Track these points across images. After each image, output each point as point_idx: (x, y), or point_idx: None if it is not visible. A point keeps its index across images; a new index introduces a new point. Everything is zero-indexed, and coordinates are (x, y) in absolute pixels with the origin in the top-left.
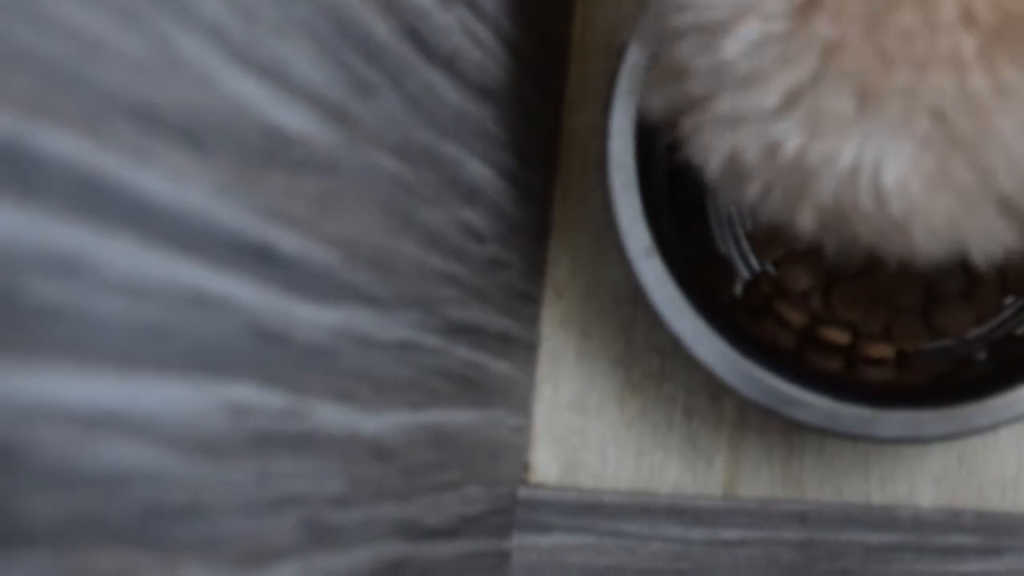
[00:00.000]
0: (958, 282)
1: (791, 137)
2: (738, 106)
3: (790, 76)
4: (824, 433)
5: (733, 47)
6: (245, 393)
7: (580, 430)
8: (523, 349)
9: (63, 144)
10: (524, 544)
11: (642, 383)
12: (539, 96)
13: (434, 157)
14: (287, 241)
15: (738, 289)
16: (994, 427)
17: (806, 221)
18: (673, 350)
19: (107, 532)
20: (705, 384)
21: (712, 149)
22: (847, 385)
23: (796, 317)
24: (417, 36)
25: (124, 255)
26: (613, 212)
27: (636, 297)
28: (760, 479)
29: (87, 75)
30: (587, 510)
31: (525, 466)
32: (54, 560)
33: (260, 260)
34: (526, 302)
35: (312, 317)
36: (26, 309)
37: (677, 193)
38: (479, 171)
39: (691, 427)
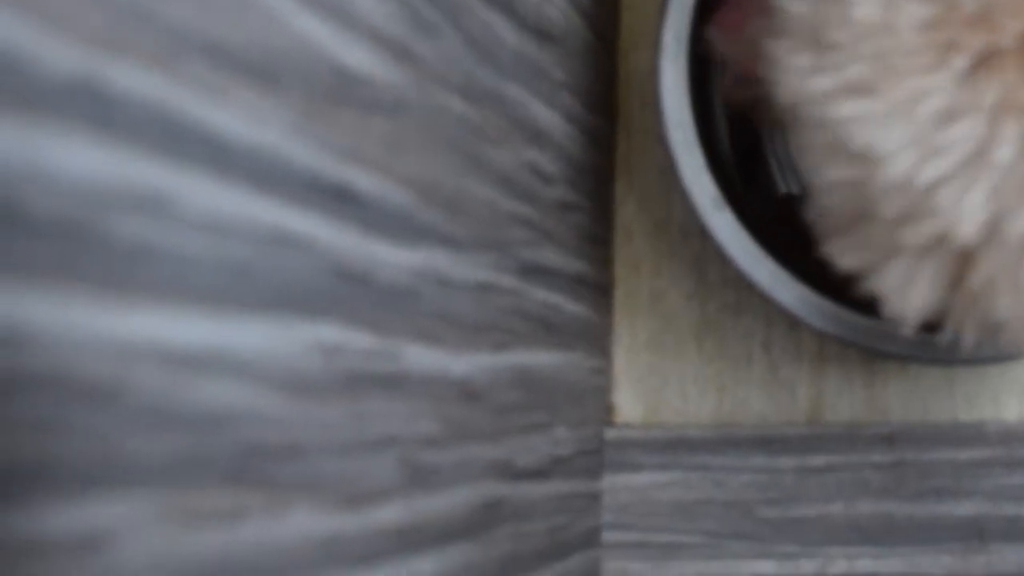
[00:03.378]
0: None
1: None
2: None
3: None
4: (909, 360)
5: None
6: (332, 333)
7: (660, 369)
8: (598, 291)
9: (137, 80)
10: (614, 484)
11: (718, 318)
12: (594, 39)
13: (498, 98)
14: (362, 181)
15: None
16: None
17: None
18: (748, 283)
19: (213, 472)
20: (782, 314)
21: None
22: None
23: None
24: None
25: (204, 193)
26: (676, 169)
27: (705, 231)
28: (844, 405)
29: (158, 10)
30: (673, 446)
31: (609, 408)
32: (162, 499)
33: (337, 199)
34: (597, 244)
35: (392, 258)
36: (115, 247)
37: (736, 139)
38: (542, 113)
39: (771, 358)
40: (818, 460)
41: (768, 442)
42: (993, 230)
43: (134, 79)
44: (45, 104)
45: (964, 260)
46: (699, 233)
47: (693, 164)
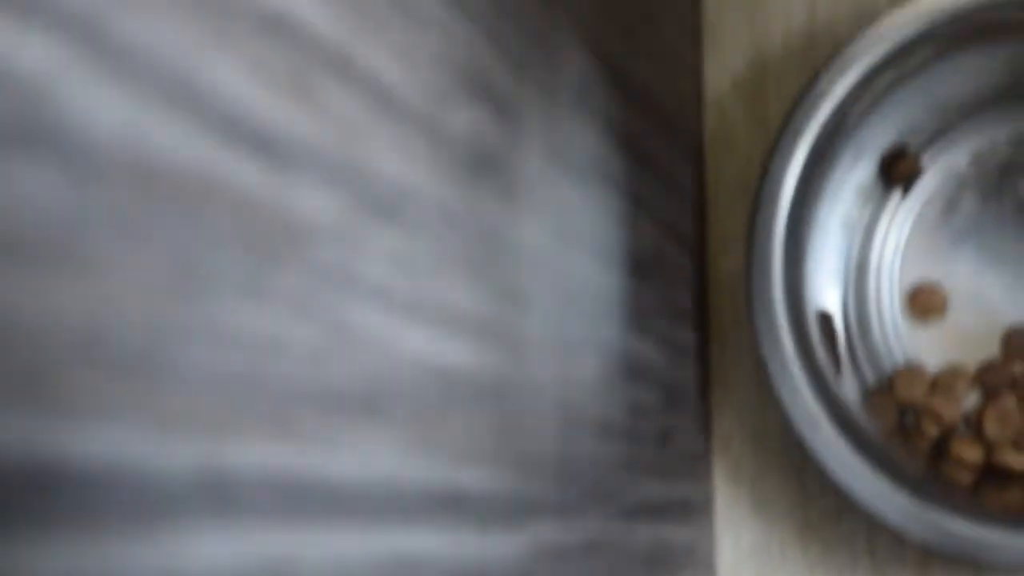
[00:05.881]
0: None
1: None
2: None
3: None
4: (1016, 572)
5: None
6: None
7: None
8: (700, 507)
9: (257, 455)
10: None
11: (821, 523)
12: (684, 253)
13: (595, 346)
14: (473, 478)
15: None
16: None
17: None
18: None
19: None
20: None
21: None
22: None
23: (970, 452)
24: (563, 232)
25: (323, 545)
26: (772, 384)
27: (804, 441)
28: None
29: (273, 374)
30: None
31: None
32: None
33: (450, 506)
34: (696, 460)
35: (505, 545)
36: None
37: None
38: (637, 346)
39: (875, 562)
40: None
41: None
42: None
43: (253, 454)
44: (171, 507)
45: None
46: (797, 442)
47: (789, 380)
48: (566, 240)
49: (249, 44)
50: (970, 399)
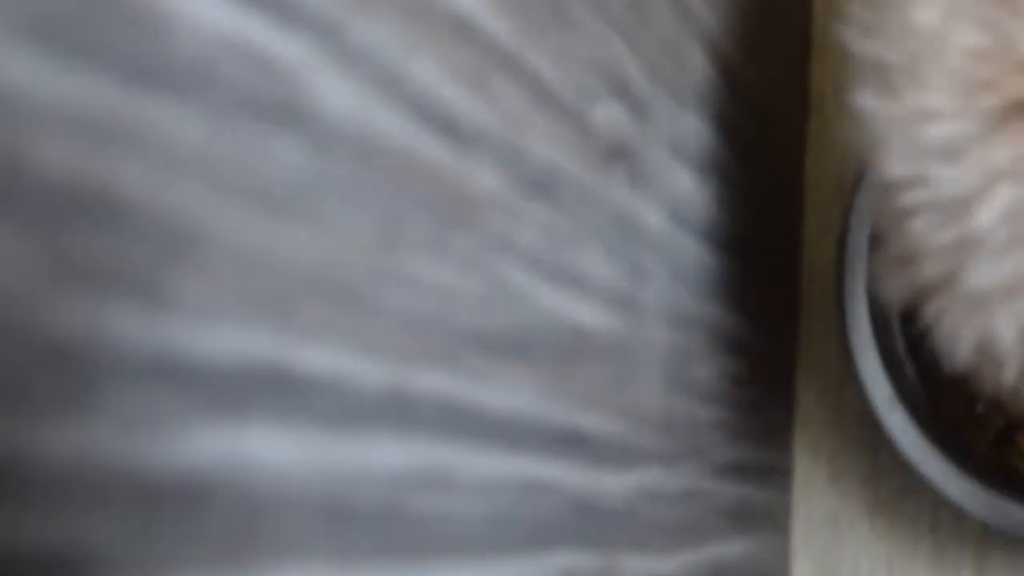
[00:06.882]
0: None
1: None
2: (992, 279)
3: None
4: None
5: (989, 215)
6: (566, 559)
7: (835, 544)
8: (779, 475)
9: (430, 381)
10: None
11: (889, 500)
12: (781, 245)
13: (699, 320)
14: (591, 422)
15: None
16: None
17: None
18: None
19: None
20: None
21: (960, 335)
22: None
23: None
24: (679, 216)
25: (476, 461)
26: (853, 368)
27: (880, 422)
28: None
29: (447, 319)
30: None
31: None
32: None
33: (575, 443)
34: (780, 432)
35: (614, 484)
36: (409, 520)
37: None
38: (736, 322)
39: (937, 540)
40: None
41: None
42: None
43: (428, 380)
44: (367, 416)
45: None
46: (875, 422)
47: (869, 364)
48: (681, 224)
49: (443, 45)
50: None
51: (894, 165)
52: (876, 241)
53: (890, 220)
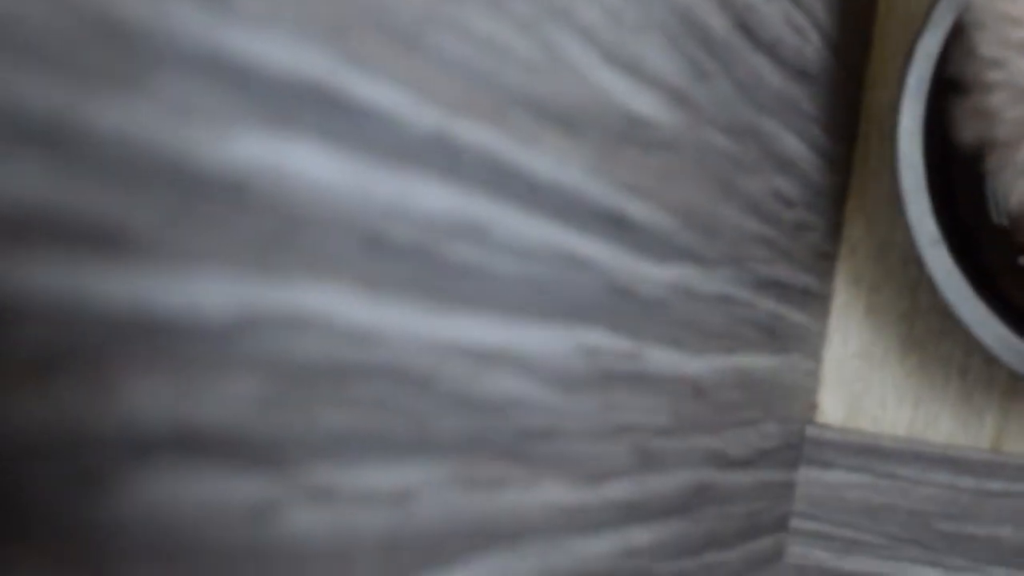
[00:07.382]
0: None
1: None
2: None
3: None
4: None
5: None
6: (597, 337)
7: (864, 377)
8: (819, 302)
9: (476, 134)
10: (808, 478)
11: (923, 339)
12: (845, 74)
13: (755, 132)
14: (636, 209)
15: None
16: None
17: None
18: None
19: (492, 448)
20: (981, 346)
21: (1012, 189)
22: None
23: None
24: (746, 27)
25: (516, 222)
26: (903, 206)
27: (922, 262)
28: None
29: (496, 74)
30: (867, 452)
31: (813, 406)
32: (454, 468)
33: (616, 226)
34: (824, 259)
35: (652, 274)
36: (443, 265)
37: (963, 183)
38: (791, 143)
39: (965, 384)
40: (996, 485)
41: (953, 462)
42: None
43: (474, 132)
44: (411, 155)
45: None
46: (918, 261)
47: (919, 204)
48: (747, 34)
49: None
50: None
51: (986, 47)
52: (952, 85)
53: (975, 80)
